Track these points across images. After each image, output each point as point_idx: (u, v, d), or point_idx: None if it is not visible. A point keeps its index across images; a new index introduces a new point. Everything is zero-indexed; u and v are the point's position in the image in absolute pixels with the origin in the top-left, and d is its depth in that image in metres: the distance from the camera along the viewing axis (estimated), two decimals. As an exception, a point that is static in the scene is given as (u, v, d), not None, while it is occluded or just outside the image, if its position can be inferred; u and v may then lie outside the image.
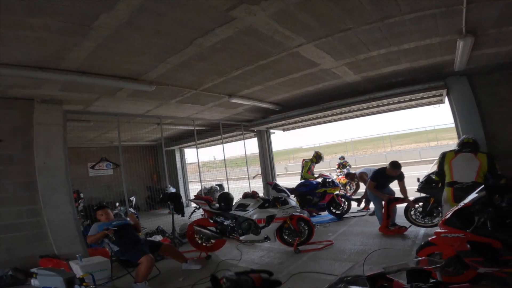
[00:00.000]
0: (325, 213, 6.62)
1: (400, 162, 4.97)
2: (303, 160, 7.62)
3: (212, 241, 4.90)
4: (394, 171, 4.84)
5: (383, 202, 4.92)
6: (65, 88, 4.01)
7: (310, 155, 8.30)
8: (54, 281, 2.99)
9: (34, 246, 4.03)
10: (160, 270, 4.06)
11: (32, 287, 3.29)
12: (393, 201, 4.87)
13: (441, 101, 5.93)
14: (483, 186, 2.65)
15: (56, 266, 3.72)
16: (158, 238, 5.46)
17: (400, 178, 4.92)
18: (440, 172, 3.86)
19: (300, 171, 7.45)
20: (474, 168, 3.50)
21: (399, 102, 6.04)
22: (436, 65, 4.61)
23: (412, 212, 4.87)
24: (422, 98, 5.72)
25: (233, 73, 4.27)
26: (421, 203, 4.80)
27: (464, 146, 3.73)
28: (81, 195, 7.01)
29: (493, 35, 3.50)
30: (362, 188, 7.25)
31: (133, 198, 8.10)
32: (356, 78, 5.08)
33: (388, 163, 5.06)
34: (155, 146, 9.79)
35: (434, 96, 5.60)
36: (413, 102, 6.10)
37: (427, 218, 4.74)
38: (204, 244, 4.90)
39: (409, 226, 4.84)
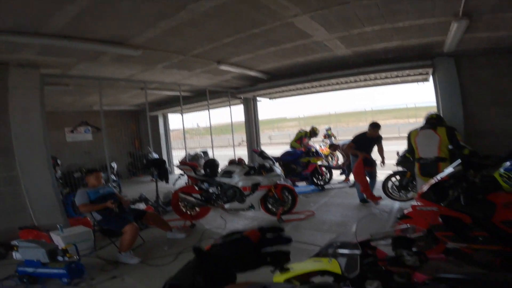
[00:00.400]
0: (302, 183, 6.78)
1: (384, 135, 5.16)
2: (300, 129, 7.73)
3: (197, 209, 4.85)
4: (373, 131, 4.98)
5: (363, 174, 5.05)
6: (44, 52, 3.76)
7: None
8: (36, 253, 2.93)
9: (13, 218, 3.90)
10: (144, 239, 4.00)
11: (14, 261, 3.19)
12: (369, 161, 5.03)
13: (426, 79, 6.07)
14: (459, 161, 2.67)
15: (37, 238, 3.60)
16: (142, 206, 5.29)
17: (379, 140, 5.10)
18: (409, 149, 4.07)
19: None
20: (435, 143, 3.68)
21: (386, 77, 6.13)
22: (426, 44, 4.65)
23: (389, 185, 5.07)
24: (408, 75, 5.83)
25: (224, 40, 4.12)
26: (398, 177, 4.99)
27: (427, 122, 3.90)
28: (58, 161, 6.72)
29: (487, 20, 3.54)
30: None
31: (114, 164, 7.93)
32: (347, 52, 5.06)
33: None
34: (137, 111, 9.47)
35: (420, 74, 5.72)
36: (399, 79, 6.21)
37: (402, 192, 4.93)
38: (188, 212, 4.84)
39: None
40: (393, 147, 5.95)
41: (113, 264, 3.40)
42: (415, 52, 5.07)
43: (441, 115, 5.09)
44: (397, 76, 5.94)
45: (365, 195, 5.08)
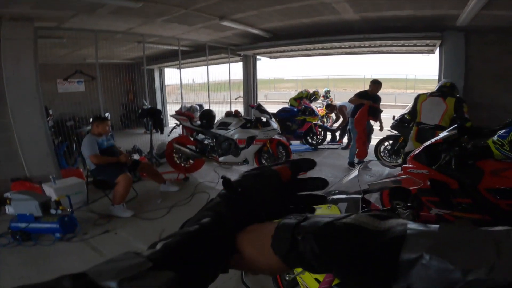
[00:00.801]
0: (296, 141, 6.79)
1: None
2: (304, 89, 7.74)
3: (191, 161, 4.82)
4: (375, 87, 4.87)
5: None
6: (38, 6, 3.52)
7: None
8: (29, 206, 2.84)
9: (5, 168, 3.87)
10: (137, 192, 3.93)
11: (6, 217, 3.11)
12: (374, 110, 4.92)
13: (432, 51, 5.95)
14: (455, 125, 2.67)
15: (29, 190, 3.49)
16: (135, 157, 5.21)
17: (378, 101, 5.01)
18: (412, 111, 4.04)
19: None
20: (439, 111, 3.64)
21: (391, 45, 5.98)
22: (439, 16, 4.47)
23: (381, 149, 5.18)
24: (415, 45, 5.69)
25: (228, -6, 3.90)
26: (391, 141, 5.08)
27: (439, 90, 3.83)
28: (50, 111, 6.60)
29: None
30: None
31: (107, 115, 7.83)
32: (355, 16, 4.85)
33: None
34: (132, 65, 9.15)
35: (427, 45, 5.59)
36: (404, 48, 6.08)
37: (393, 157, 5.04)
38: (182, 164, 4.81)
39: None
40: (388, 115, 5.95)
41: (106, 218, 3.39)
42: (425, 23, 4.89)
43: None
44: (402, 45, 5.80)
45: (355, 159, 5.15)
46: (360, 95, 5.01)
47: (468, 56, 5.09)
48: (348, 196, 1.40)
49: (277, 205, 0.43)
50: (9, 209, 2.95)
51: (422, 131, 3.68)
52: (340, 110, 6.94)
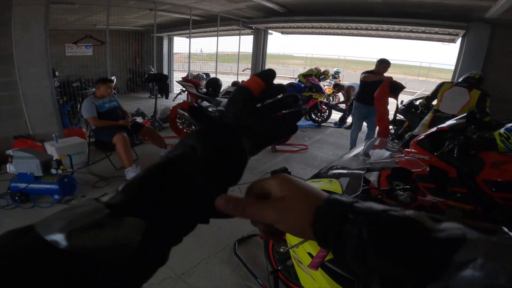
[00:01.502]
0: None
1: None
2: (316, 67, 7.64)
3: (193, 127, 4.76)
4: (383, 67, 4.32)
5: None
6: None
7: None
8: (30, 165, 2.79)
9: (8, 125, 3.85)
10: (138, 155, 3.93)
11: (7, 175, 3.07)
12: (395, 87, 4.24)
13: (453, 41, 5.71)
14: (465, 114, 2.64)
15: (31, 148, 3.43)
16: (139, 120, 5.12)
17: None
18: (431, 97, 3.94)
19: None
20: (461, 103, 3.51)
21: (411, 31, 5.74)
22: (469, 6, 4.25)
23: None
24: (436, 33, 5.45)
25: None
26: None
27: (465, 81, 3.66)
28: (56, 73, 6.55)
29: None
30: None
31: (114, 78, 7.76)
32: (377, -1, 4.62)
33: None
34: (141, 32, 8.95)
35: (449, 34, 5.35)
36: (424, 35, 5.84)
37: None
38: (185, 130, 4.81)
39: None
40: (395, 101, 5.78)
41: (105, 180, 3.37)
42: (451, 12, 4.65)
43: (457, 76, 4.93)
44: (423, 32, 5.56)
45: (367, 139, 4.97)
46: (367, 71, 4.58)
47: (490, 49, 4.91)
48: (350, 171, 1.39)
49: (256, 121, 0.36)
50: (10, 168, 2.86)
51: (438, 119, 3.50)
52: (347, 90, 6.84)
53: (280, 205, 0.33)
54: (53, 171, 2.89)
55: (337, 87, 7.94)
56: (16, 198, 2.79)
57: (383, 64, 4.31)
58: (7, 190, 2.88)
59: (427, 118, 3.71)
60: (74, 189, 2.98)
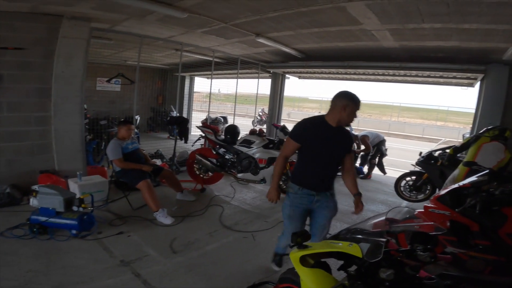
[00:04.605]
0: None
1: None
2: None
3: (210, 173, 4.87)
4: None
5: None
6: (98, 7, 3.74)
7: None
8: (53, 200, 2.88)
9: (36, 160, 3.97)
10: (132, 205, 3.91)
11: (27, 208, 3.16)
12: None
13: (471, 85, 5.71)
14: (487, 171, 2.70)
15: (55, 183, 3.57)
16: (158, 162, 5.32)
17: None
18: (460, 149, 3.93)
19: None
20: (497, 158, 3.53)
21: (428, 76, 5.79)
22: (486, 49, 4.29)
23: (402, 184, 5.02)
24: (454, 77, 5.47)
25: (269, 14, 3.93)
26: (413, 177, 4.93)
27: (502, 137, 3.67)
28: (85, 106, 6.92)
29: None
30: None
31: (137, 117, 8.09)
32: (394, 44, 4.75)
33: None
34: (166, 70, 9.52)
35: (468, 78, 5.35)
36: (442, 80, 5.86)
37: (414, 192, 4.90)
38: (201, 175, 4.87)
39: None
40: (414, 147, 5.77)
41: (122, 219, 3.46)
42: (469, 55, 4.71)
43: (477, 121, 4.84)
44: (441, 77, 5.59)
45: None
46: None
47: (509, 92, 4.83)
48: (371, 237, 1.39)
49: None
50: (33, 201, 2.96)
51: (474, 172, 3.39)
52: (363, 140, 6.36)
53: None
54: (75, 208, 2.99)
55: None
56: (35, 229, 2.86)
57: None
58: (26, 221, 2.97)
59: (461, 173, 3.65)
60: (92, 226, 3.08)
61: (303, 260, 1.46)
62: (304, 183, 2.21)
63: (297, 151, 2.24)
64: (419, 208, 2.72)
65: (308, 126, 2.16)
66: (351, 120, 2.13)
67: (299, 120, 2.28)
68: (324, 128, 2.11)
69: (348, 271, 1.34)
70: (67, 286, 2.20)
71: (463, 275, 1.10)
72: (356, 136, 7.32)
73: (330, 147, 2.13)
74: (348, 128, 7.75)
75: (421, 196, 4.84)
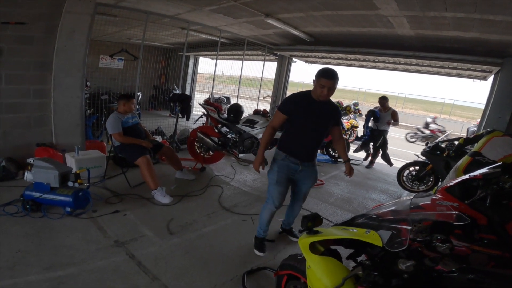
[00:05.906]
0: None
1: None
2: (338, 101, 7.79)
3: (211, 152, 4.78)
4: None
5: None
6: None
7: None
8: (48, 175, 2.75)
9: (33, 133, 3.87)
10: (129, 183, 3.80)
11: (23, 182, 3.01)
12: None
13: (484, 78, 5.53)
14: (500, 163, 2.58)
15: (52, 157, 3.43)
16: (158, 139, 5.14)
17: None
18: (472, 140, 3.83)
19: None
20: (504, 152, 3.37)
21: (441, 67, 5.60)
22: (506, 42, 4.11)
23: (405, 173, 4.97)
24: (468, 69, 5.28)
25: (281, -7, 3.75)
26: (417, 167, 4.86)
27: None
28: (88, 83, 6.79)
29: None
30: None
31: (139, 94, 7.97)
32: (409, 32, 4.55)
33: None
34: (170, 49, 9.32)
35: (482, 71, 5.17)
36: (454, 71, 5.67)
37: (416, 183, 4.83)
38: (202, 154, 4.78)
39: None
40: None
41: (118, 197, 3.34)
42: (487, 48, 4.52)
43: (487, 114, 4.73)
44: (455, 68, 5.39)
45: None
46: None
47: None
48: (394, 225, 1.30)
49: None
50: (27, 176, 2.82)
51: (477, 163, 3.34)
52: (394, 114, 6.44)
53: None
54: (70, 183, 2.85)
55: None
56: (28, 206, 2.76)
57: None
58: (19, 197, 2.85)
59: (463, 162, 3.52)
60: (86, 203, 2.93)
61: (312, 247, 1.38)
62: (289, 151, 2.44)
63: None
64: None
65: (295, 100, 2.39)
66: (325, 93, 2.24)
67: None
68: (308, 102, 2.33)
69: (363, 261, 1.25)
70: (58, 268, 2.12)
71: (486, 270, 1.04)
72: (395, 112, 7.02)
73: (314, 119, 2.34)
74: (353, 116, 7.65)
75: (422, 187, 4.80)
